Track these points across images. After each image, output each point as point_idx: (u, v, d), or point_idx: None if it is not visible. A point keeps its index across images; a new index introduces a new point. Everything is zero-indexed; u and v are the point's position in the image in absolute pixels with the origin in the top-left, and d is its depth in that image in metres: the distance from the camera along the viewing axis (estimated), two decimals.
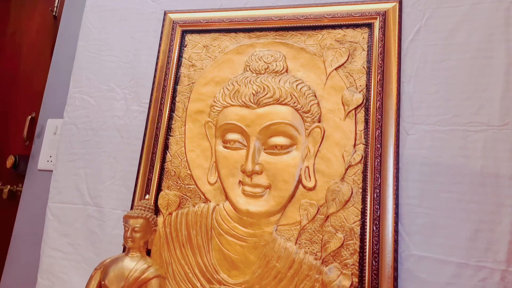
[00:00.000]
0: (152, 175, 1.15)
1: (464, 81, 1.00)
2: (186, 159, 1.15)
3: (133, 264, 0.81)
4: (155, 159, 1.17)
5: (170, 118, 1.20)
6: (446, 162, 0.96)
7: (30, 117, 1.67)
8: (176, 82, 1.22)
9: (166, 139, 1.18)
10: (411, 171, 0.98)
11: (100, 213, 1.21)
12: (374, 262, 0.93)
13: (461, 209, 0.93)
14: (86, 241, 1.21)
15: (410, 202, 0.97)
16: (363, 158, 1.01)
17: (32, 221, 1.39)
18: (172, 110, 1.20)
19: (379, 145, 1.00)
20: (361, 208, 0.99)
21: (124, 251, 0.90)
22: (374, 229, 0.95)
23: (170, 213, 1.12)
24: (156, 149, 1.17)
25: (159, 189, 1.15)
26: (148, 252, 1.03)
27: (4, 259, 1.43)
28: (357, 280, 0.95)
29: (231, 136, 1.12)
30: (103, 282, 0.81)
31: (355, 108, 1.05)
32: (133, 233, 0.82)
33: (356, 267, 0.95)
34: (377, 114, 1.02)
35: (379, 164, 0.99)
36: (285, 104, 1.09)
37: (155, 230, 0.86)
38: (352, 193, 1.00)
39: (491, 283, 0.88)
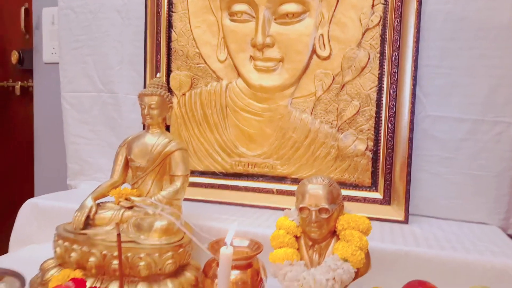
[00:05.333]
0: (160, 56, 1.12)
1: None
2: (193, 36, 1.10)
3: (154, 140, 0.83)
4: (160, 39, 1.11)
5: None
6: (472, 16, 0.90)
7: (23, 8, 1.57)
8: None
9: (169, 16, 1.11)
10: (433, 29, 0.92)
11: (115, 99, 1.22)
12: (390, 125, 0.94)
13: (482, 66, 0.90)
14: (106, 127, 1.24)
15: (430, 63, 0.93)
16: (381, 20, 0.95)
17: (50, 113, 1.42)
18: None
19: (399, 3, 0.92)
20: (378, 74, 0.96)
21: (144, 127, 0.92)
22: (391, 93, 0.94)
23: (184, 94, 1.12)
24: (160, 28, 1.11)
25: (169, 70, 1.13)
26: (167, 129, 1.05)
27: (32, 152, 1.50)
28: (372, 143, 0.97)
29: (238, 7, 1.04)
30: (129, 157, 0.84)
31: None
32: (150, 110, 0.82)
33: (372, 132, 0.97)
34: None
35: (398, 24, 0.92)
36: None
37: (171, 107, 0.86)
38: (369, 58, 0.96)
39: (506, 136, 0.90)
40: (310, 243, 0.70)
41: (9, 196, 1.67)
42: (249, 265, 0.72)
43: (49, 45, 1.44)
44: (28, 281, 0.74)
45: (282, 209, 0.98)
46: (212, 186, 1.09)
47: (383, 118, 0.96)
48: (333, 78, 0.99)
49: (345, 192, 0.97)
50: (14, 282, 0.72)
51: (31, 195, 1.47)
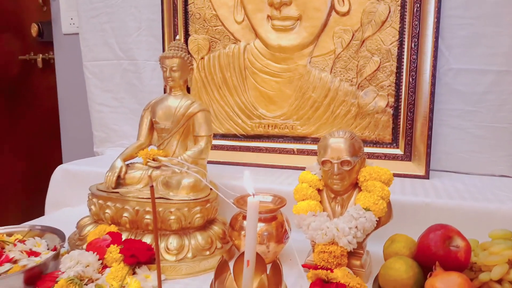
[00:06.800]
0: (177, 20, 1.12)
1: None
2: None
3: (177, 102, 0.85)
4: (177, 2, 1.11)
5: None
6: None
7: None
8: None
9: None
10: None
11: (135, 66, 1.23)
12: (411, 80, 0.94)
13: (508, 14, 0.87)
14: (128, 94, 1.27)
15: (453, 13, 0.91)
16: None
17: (72, 84, 1.45)
18: None
19: None
20: (399, 27, 0.94)
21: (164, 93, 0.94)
22: (413, 46, 0.92)
23: (202, 58, 1.13)
24: None
25: (187, 34, 1.13)
26: (188, 91, 1.07)
27: (58, 123, 1.55)
28: (393, 99, 0.97)
29: None
30: (153, 119, 0.87)
31: None
32: (172, 72, 0.84)
33: (393, 88, 0.97)
34: None
35: None
36: None
37: (192, 69, 0.87)
38: (389, 12, 0.94)
39: None
40: (333, 195, 0.72)
41: (39, 166, 1.75)
42: (274, 218, 0.75)
43: (67, 16, 1.45)
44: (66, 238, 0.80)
45: (303, 168, 0.99)
46: (233, 148, 1.12)
47: (404, 73, 0.95)
48: (353, 34, 0.98)
49: (365, 149, 0.98)
50: (55, 238, 0.77)
51: (59, 163, 1.54)
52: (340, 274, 0.58)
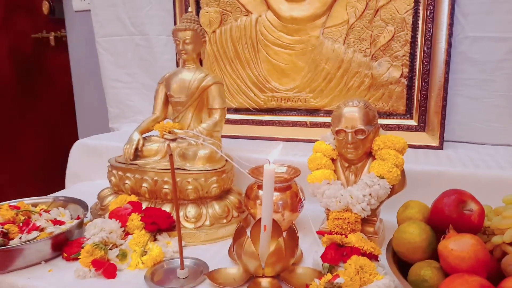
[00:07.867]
0: None
1: None
2: None
3: (191, 75, 0.85)
4: None
5: None
6: None
7: None
8: None
9: None
10: None
11: (147, 41, 1.24)
12: (426, 49, 0.92)
13: None
14: (141, 69, 1.27)
15: None
16: None
17: (85, 61, 1.46)
18: None
19: None
20: None
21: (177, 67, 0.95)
22: (428, 14, 0.91)
23: (214, 31, 1.12)
24: None
25: (198, 7, 1.12)
26: (201, 64, 1.07)
27: (73, 100, 1.58)
28: (407, 70, 0.96)
29: None
30: (168, 93, 0.88)
31: None
32: (185, 45, 0.84)
33: (407, 58, 0.95)
34: None
35: None
36: None
37: (205, 42, 0.87)
38: None
39: None
40: (346, 164, 0.73)
41: (55, 143, 1.79)
42: (288, 187, 0.77)
43: None
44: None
45: (316, 141, 1.00)
46: (246, 122, 1.13)
47: (419, 43, 0.93)
48: (367, 3, 0.96)
49: (379, 121, 0.98)
50: (77, 208, 0.81)
51: (76, 140, 1.58)
52: (354, 239, 0.60)
